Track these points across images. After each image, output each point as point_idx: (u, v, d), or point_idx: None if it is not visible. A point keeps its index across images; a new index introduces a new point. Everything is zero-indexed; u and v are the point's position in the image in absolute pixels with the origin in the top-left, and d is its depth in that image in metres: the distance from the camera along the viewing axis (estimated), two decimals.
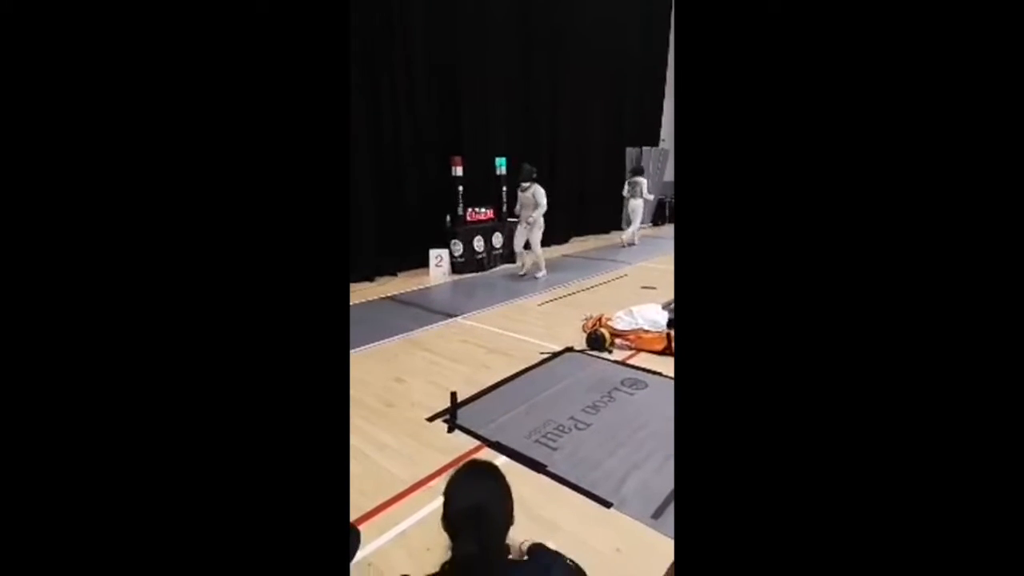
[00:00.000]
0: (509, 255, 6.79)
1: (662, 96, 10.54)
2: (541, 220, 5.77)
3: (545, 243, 7.92)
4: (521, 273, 6.07)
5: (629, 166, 8.96)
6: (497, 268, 6.59)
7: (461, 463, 1.13)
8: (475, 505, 1.00)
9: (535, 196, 5.63)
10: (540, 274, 6.01)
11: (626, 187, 8.15)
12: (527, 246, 5.94)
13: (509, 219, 6.80)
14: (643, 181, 7.92)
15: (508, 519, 1.04)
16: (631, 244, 8.07)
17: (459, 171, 6.30)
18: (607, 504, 2.04)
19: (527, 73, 7.34)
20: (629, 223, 8.25)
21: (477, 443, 2.51)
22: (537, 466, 2.30)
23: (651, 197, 8.32)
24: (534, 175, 5.67)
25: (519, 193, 5.81)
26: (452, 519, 1.00)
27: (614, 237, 9.08)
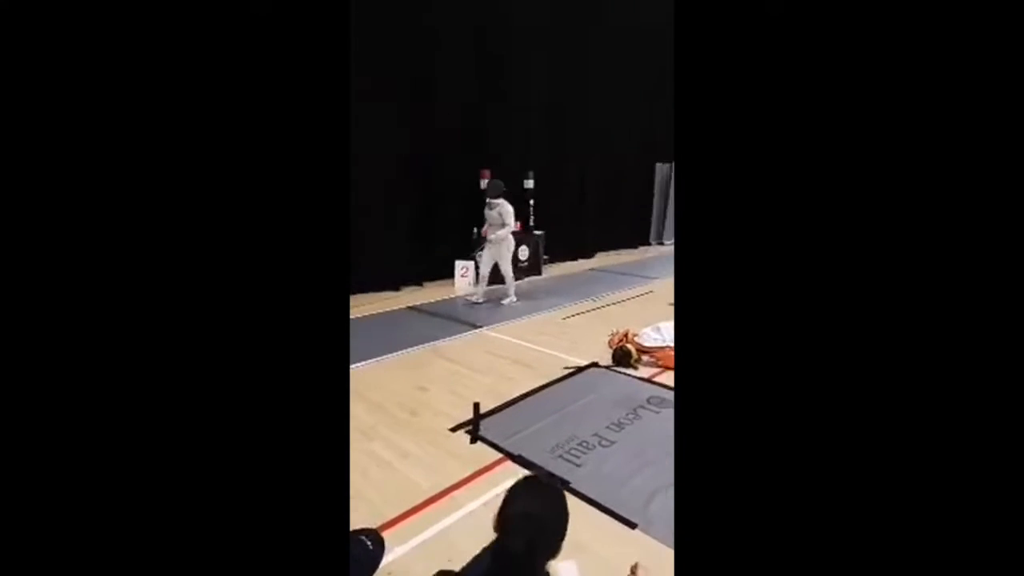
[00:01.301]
0: (533, 267, 6.77)
1: None
2: (511, 240, 5.30)
3: (572, 257, 7.96)
4: (477, 301, 5.37)
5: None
6: (522, 280, 6.58)
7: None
8: (533, 512, 1.00)
9: (501, 214, 5.13)
10: (507, 300, 5.37)
11: None
12: (497, 271, 5.36)
13: (534, 231, 6.80)
14: None
15: (561, 534, 1.03)
16: None
17: (486, 184, 6.34)
18: (632, 525, 1.99)
19: (556, 87, 7.38)
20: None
21: (499, 455, 2.48)
22: (560, 482, 2.26)
23: None
24: (503, 190, 5.24)
25: (486, 211, 5.29)
26: (506, 518, 1.00)
27: (641, 252, 9.01)
